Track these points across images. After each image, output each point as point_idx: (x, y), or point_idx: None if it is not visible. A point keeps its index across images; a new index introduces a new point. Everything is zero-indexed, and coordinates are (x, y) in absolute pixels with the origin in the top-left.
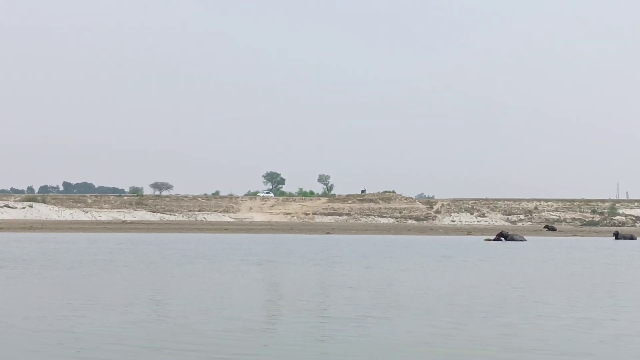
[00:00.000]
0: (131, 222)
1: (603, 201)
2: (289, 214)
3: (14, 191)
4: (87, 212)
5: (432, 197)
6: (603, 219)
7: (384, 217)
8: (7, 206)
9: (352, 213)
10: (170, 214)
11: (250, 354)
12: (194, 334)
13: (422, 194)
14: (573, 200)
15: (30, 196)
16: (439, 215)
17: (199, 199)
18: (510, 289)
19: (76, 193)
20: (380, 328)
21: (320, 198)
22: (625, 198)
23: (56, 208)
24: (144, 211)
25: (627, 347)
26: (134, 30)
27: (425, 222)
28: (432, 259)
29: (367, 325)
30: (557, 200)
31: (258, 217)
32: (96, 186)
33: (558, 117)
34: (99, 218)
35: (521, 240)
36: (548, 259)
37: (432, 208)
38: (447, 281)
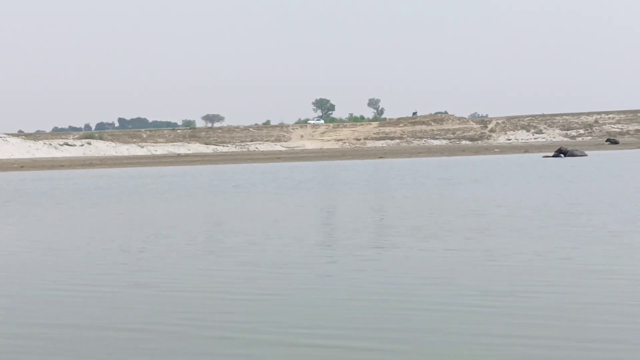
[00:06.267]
0: (186, 155)
1: None
2: (340, 140)
3: (72, 129)
4: (142, 147)
5: (486, 116)
6: None
7: (437, 138)
8: (67, 144)
9: (404, 136)
10: (224, 145)
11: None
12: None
13: (476, 113)
14: (636, 111)
15: (88, 133)
16: (493, 135)
17: (251, 129)
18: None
19: (131, 129)
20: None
21: (371, 123)
22: None
23: (113, 144)
24: (198, 143)
25: None
26: None
27: (479, 142)
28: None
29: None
30: (619, 112)
31: (310, 145)
32: (150, 121)
33: (621, 25)
34: (154, 152)
35: (582, 156)
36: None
37: (486, 127)
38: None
